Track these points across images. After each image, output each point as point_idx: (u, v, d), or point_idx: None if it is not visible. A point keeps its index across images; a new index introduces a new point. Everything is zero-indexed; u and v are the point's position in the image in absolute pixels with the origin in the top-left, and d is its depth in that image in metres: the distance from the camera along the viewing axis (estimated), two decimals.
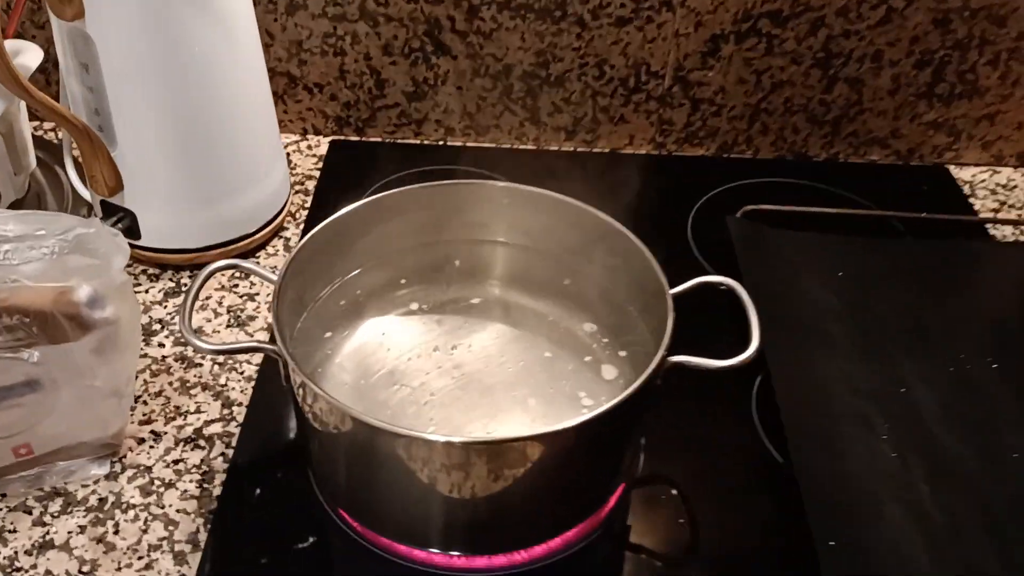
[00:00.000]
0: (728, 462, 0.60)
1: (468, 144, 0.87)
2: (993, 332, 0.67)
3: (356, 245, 0.61)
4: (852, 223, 0.76)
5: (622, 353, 0.57)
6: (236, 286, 0.71)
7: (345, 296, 0.61)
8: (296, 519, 0.56)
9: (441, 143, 0.87)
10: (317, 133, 0.87)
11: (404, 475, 0.49)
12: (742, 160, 0.85)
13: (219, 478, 0.58)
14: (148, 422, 0.61)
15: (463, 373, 0.58)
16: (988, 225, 0.77)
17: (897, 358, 0.64)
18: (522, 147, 0.87)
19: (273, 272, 0.55)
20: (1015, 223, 0.77)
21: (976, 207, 0.80)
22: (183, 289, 0.70)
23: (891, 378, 0.63)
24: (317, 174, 0.83)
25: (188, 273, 0.72)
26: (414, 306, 0.62)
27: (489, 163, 0.83)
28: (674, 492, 0.58)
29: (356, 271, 0.61)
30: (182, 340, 0.66)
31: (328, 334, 0.59)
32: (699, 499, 0.57)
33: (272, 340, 0.52)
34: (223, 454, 0.59)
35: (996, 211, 0.80)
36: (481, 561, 0.53)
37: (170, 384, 0.63)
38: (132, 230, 0.69)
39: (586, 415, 0.46)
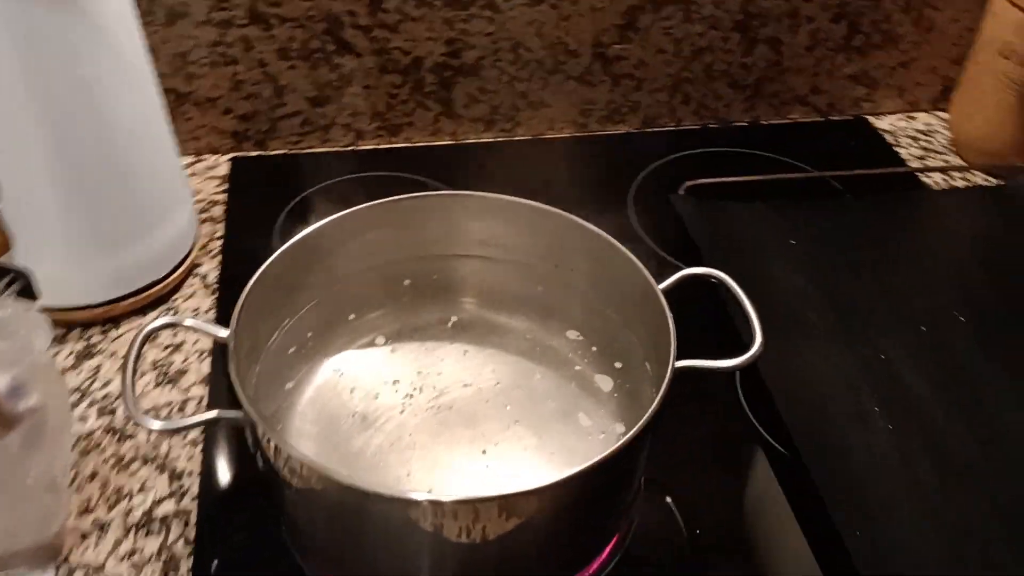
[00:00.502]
0: (730, 459, 0.57)
1: (381, 146, 0.81)
2: (952, 285, 0.67)
3: (305, 279, 0.54)
4: (791, 187, 0.75)
5: (618, 364, 0.53)
6: (155, 337, 0.64)
7: (296, 338, 0.55)
8: None
9: (351, 148, 0.81)
10: (214, 152, 0.79)
11: (403, 535, 0.44)
12: (667, 132, 0.83)
13: (185, 565, 0.51)
14: (88, 511, 0.53)
15: (439, 405, 0.54)
16: (919, 174, 0.78)
17: (870, 327, 0.63)
18: (439, 143, 0.81)
19: (213, 323, 0.49)
20: (943, 170, 0.77)
21: (903, 156, 0.80)
22: (97, 350, 0.62)
23: (870, 349, 0.61)
24: (223, 197, 0.75)
25: (100, 329, 0.63)
26: (374, 337, 0.56)
27: (405, 164, 0.78)
28: (668, 500, 0.55)
29: (307, 307, 0.55)
30: (108, 410, 0.59)
31: (289, 384, 0.53)
32: (707, 501, 0.55)
33: (234, 403, 0.45)
34: (183, 536, 0.52)
35: (921, 158, 0.80)
36: None
37: (104, 462, 0.56)
38: (28, 291, 0.60)
39: (620, 442, 0.42)
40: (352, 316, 0.57)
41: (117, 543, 0.52)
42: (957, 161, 0.80)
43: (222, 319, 0.51)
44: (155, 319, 0.49)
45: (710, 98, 0.82)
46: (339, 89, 0.77)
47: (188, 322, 0.50)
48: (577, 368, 0.54)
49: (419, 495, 0.41)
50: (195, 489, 0.54)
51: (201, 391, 0.60)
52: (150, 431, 0.57)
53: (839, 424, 0.56)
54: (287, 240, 0.52)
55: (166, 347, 0.63)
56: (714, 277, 0.52)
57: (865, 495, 0.53)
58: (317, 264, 0.54)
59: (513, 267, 0.57)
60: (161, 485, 0.55)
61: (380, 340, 0.57)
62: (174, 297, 0.67)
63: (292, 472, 0.44)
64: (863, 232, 0.71)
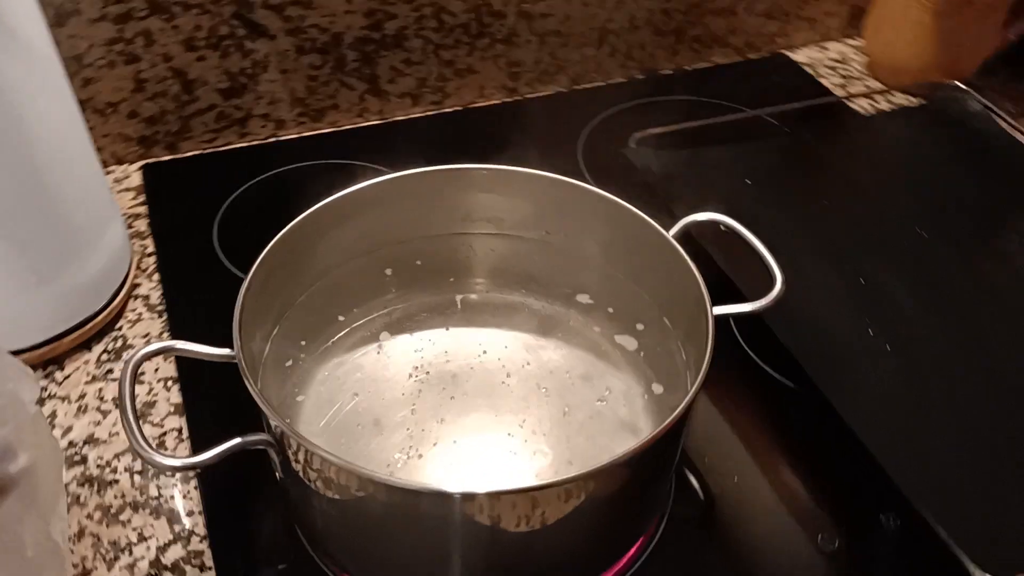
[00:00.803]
0: (741, 397, 0.57)
1: (305, 134, 0.75)
2: (906, 202, 0.68)
3: (291, 278, 0.50)
4: (731, 129, 0.75)
5: (639, 326, 0.52)
6: (110, 372, 0.57)
7: (291, 345, 0.51)
8: None
9: (273, 139, 0.75)
10: (120, 162, 0.72)
11: (447, 531, 0.41)
12: (598, 89, 0.81)
13: None
14: (86, 574, 0.47)
15: (453, 393, 0.51)
16: (846, 101, 0.79)
17: (844, 251, 0.64)
18: (366, 124, 0.77)
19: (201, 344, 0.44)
20: (866, 95, 0.79)
21: (826, 86, 0.82)
22: (47, 394, 0.55)
23: (850, 272, 0.62)
24: (143, 210, 0.68)
25: (43, 374, 0.56)
26: (373, 332, 0.53)
27: (333, 151, 0.73)
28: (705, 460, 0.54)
29: (295, 306, 0.51)
30: (77, 459, 0.52)
31: (301, 397, 0.48)
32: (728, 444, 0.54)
33: (265, 426, 0.41)
34: None
35: (843, 86, 0.82)
36: None
37: (89, 517, 0.50)
38: None
39: (686, 401, 0.40)
40: (345, 313, 0.53)
41: None
42: (876, 85, 0.82)
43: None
44: (143, 348, 0.43)
45: (635, 48, 0.80)
46: (254, 77, 0.71)
47: (181, 346, 0.44)
48: (596, 330, 0.52)
49: (475, 487, 0.38)
50: (201, 528, 0.49)
51: (177, 422, 0.54)
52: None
53: (844, 351, 0.57)
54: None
55: None
56: (720, 223, 0.51)
57: (889, 419, 0.53)
58: (302, 261, 0.50)
59: (510, 240, 0.54)
60: (161, 530, 0.49)
61: (379, 334, 0.53)
62: (118, 325, 0.60)
63: (329, 483, 0.41)
64: (810, 164, 0.72)
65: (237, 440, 0.41)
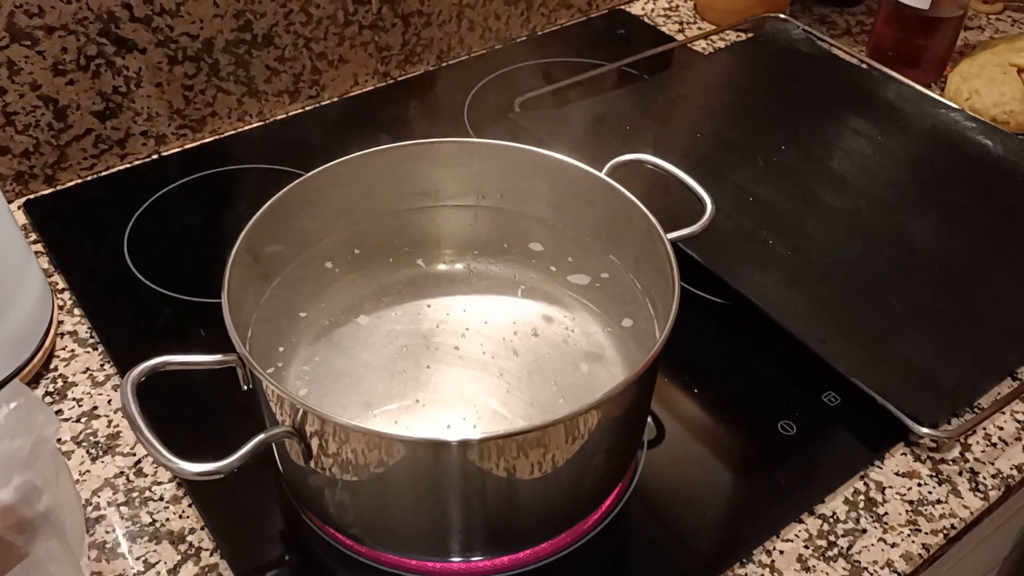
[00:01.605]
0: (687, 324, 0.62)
1: (188, 146, 0.74)
2: (764, 123, 0.76)
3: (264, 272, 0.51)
4: (597, 83, 0.80)
5: (589, 267, 0.56)
6: (60, 412, 0.55)
7: (276, 337, 0.51)
8: None
9: (155, 156, 0.73)
10: None
11: (465, 482, 0.44)
12: (463, 63, 0.84)
13: None
14: None
15: (431, 361, 0.53)
16: (688, 45, 0.86)
17: (728, 175, 0.71)
18: (248, 127, 0.76)
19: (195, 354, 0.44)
20: (704, 36, 0.87)
21: (667, 33, 0.89)
22: None
23: (739, 192, 0.69)
24: (39, 248, 0.65)
25: None
26: (353, 313, 0.54)
27: (220, 159, 0.73)
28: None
29: (270, 291, 0.52)
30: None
31: (302, 391, 0.49)
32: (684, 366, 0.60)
33: (270, 421, 0.43)
34: None
35: (680, 31, 0.89)
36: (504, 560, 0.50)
37: (89, 557, 0.48)
38: None
39: (653, 350, 0.44)
40: (307, 307, 0.54)
41: None
42: (708, 26, 0.90)
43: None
44: (137, 366, 0.42)
45: (491, 19, 0.84)
46: (128, 95, 0.69)
47: (175, 359, 0.44)
48: (549, 279, 0.56)
49: (486, 432, 0.41)
50: (208, 543, 0.49)
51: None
52: (107, 502, 0.51)
53: (754, 261, 0.64)
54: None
55: (77, 417, 0.55)
56: (644, 161, 0.56)
57: (808, 310, 0.60)
58: (274, 249, 0.51)
59: (450, 210, 0.57)
60: (167, 554, 0.49)
61: (345, 320, 0.54)
62: (52, 366, 0.58)
63: (355, 455, 0.42)
64: (673, 104, 0.78)
65: (260, 437, 0.42)
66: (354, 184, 0.54)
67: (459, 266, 0.57)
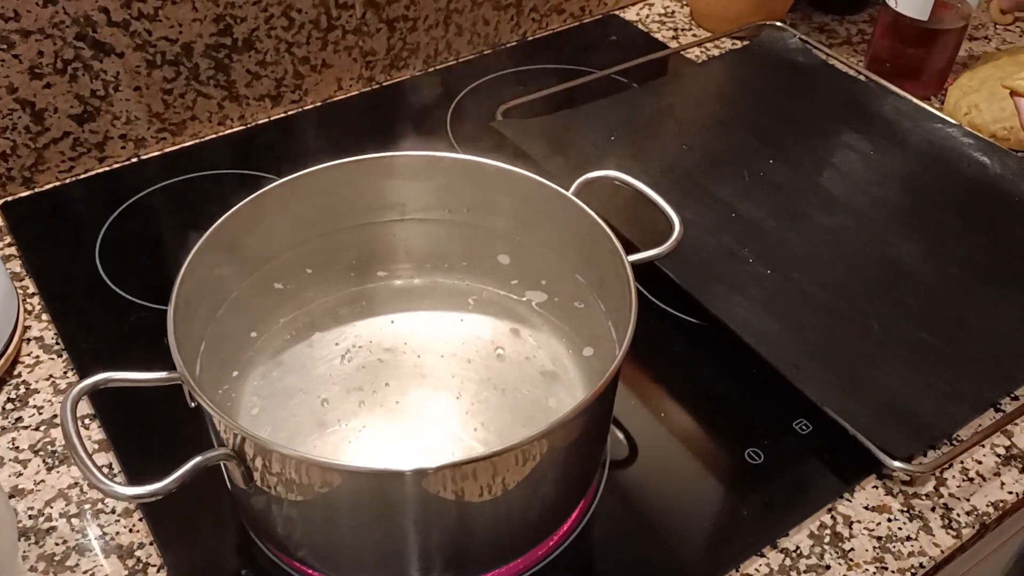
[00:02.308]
0: (650, 340, 0.60)
1: (167, 150, 0.73)
2: (752, 137, 0.75)
3: (217, 287, 0.50)
4: (585, 90, 0.79)
5: (544, 281, 0.54)
6: (20, 420, 0.55)
7: (225, 357, 0.50)
8: None
9: (135, 160, 0.73)
10: None
11: (405, 511, 0.43)
12: (450, 68, 0.83)
13: None
14: None
15: (390, 379, 0.52)
16: (682, 52, 0.85)
17: (710, 189, 0.69)
18: (228, 131, 0.76)
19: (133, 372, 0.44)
20: (698, 44, 0.85)
21: (660, 40, 0.87)
22: None
23: (720, 206, 0.68)
24: (13, 251, 0.65)
25: None
26: (305, 330, 0.53)
27: (200, 163, 0.72)
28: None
29: (223, 310, 0.51)
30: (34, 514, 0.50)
31: (255, 409, 0.48)
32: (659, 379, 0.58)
33: (216, 441, 0.42)
34: None
35: (675, 38, 0.87)
36: None
37: (33, 569, 0.48)
38: None
39: (604, 378, 0.43)
40: (257, 326, 0.53)
41: None
42: (703, 34, 0.88)
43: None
44: (78, 383, 0.42)
45: (480, 25, 0.83)
46: (106, 98, 0.69)
47: (117, 376, 0.44)
48: (513, 296, 0.55)
49: (426, 463, 0.40)
50: (156, 558, 0.49)
51: (105, 458, 0.53)
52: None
53: (732, 279, 0.62)
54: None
55: (34, 426, 0.54)
56: (612, 178, 0.54)
57: (783, 333, 0.59)
58: (230, 264, 0.50)
59: (417, 224, 0.56)
60: (114, 568, 0.48)
61: (301, 335, 0.53)
62: (16, 372, 0.57)
63: (293, 482, 0.41)
64: (661, 113, 0.77)
65: (197, 459, 0.41)
66: (318, 196, 0.53)
67: (424, 281, 0.56)
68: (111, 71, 0.68)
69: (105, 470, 0.52)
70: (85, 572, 0.48)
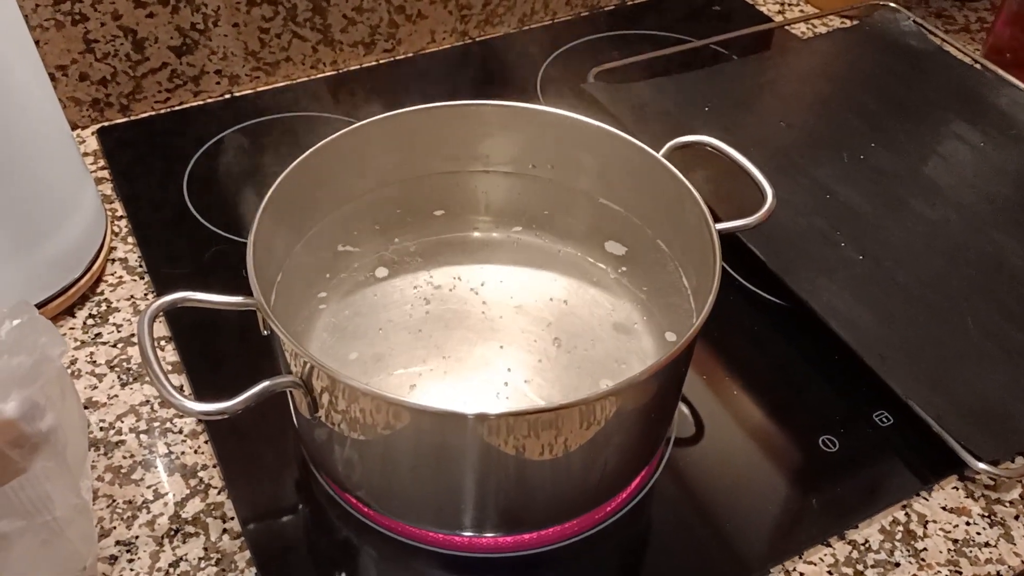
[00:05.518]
0: (729, 317, 0.59)
1: (260, 89, 0.74)
2: (856, 119, 0.71)
3: (299, 220, 0.50)
4: (681, 59, 0.77)
5: (634, 251, 0.53)
6: (99, 336, 0.56)
7: (303, 288, 0.51)
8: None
9: (228, 95, 0.73)
10: (74, 127, 0.69)
11: (478, 456, 0.42)
12: (546, 27, 0.82)
13: (242, 558, 0.46)
14: (106, 534, 0.47)
15: (460, 327, 0.51)
16: (787, 27, 0.82)
17: (808, 168, 0.67)
18: (321, 75, 0.76)
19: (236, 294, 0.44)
20: (805, 19, 0.82)
21: (765, 13, 0.84)
22: None
23: (817, 188, 0.65)
24: (105, 174, 0.66)
25: None
26: (376, 270, 0.53)
27: (291, 104, 0.72)
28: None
29: (303, 243, 0.51)
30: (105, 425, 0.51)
31: (323, 345, 0.48)
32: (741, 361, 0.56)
33: (284, 368, 0.42)
34: (226, 531, 0.47)
35: (781, 12, 0.84)
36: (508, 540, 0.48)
37: (100, 479, 0.49)
38: None
39: (704, 312, 0.42)
40: (342, 259, 0.53)
41: (155, 557, 0.46)
42: (811, 10, 0.85)
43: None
44: (156, 300, 0.42)
45: None
46: (205, 32, 0.69)
47: (195, 296, 0.44)
48: (591, 259, 0.53)
49: (491, 408, 0.39)
50: (218, 480, 0.49)
51: (177, 380, 0.54)
52: (129, 429, 0.51)
53: (821, 263, 0.60)
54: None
55: (113, 342, 0.55)
56: (706, 144, 0.52)
57: (871, 321, 0.56)
58: (298, 208, 0.50)
59: (502, 177, 0.55)
60: (176, 486, 0.49)
61: (377, 273, 0.53)
62: (99, 290, 0.59)
63: (359, 415, 0.41)
64: (761, 88, 0.74)
65: (265, 383, 0.42)
66: (404, 139, 0.53)
67: (502, 235, 0.55)
68: (212, 5, 0.68)
69: (147, 388, 0.53)
70: (149, 487, 0.49)
